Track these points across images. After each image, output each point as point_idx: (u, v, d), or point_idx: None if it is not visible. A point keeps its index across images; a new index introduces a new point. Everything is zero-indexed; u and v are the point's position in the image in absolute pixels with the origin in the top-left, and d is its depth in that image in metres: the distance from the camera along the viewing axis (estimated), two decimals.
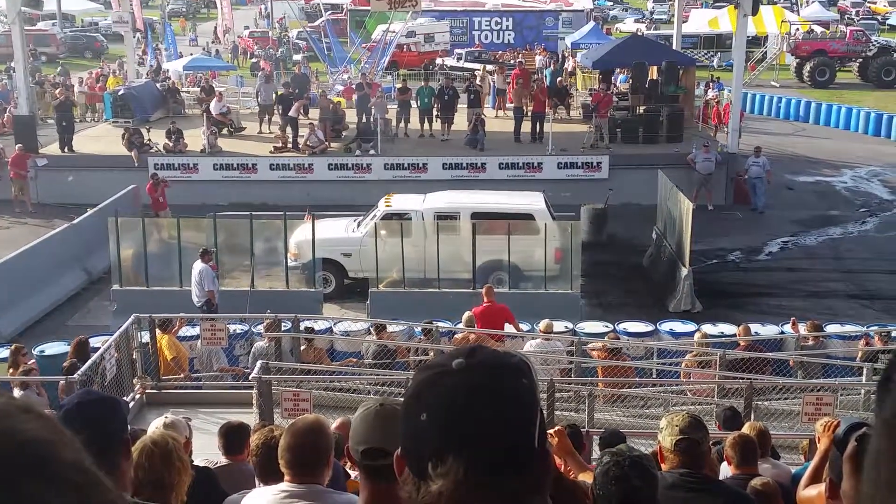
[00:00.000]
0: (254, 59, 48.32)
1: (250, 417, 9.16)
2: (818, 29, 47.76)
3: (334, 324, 15.54)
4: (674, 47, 33.20)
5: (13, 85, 30.55)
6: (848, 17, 60.18)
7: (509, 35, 52.13)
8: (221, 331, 12.80)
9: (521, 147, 26.99)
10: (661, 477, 3.88)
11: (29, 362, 12.17)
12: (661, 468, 4.27)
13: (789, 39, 45.52)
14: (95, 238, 18.93)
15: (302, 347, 13.16)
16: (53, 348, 14.06)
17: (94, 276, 19.73)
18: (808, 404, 9.81)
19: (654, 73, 29.20)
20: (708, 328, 15.10)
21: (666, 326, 15.74)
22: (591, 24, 48.16)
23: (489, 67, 36.94)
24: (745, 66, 31.19)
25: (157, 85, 32.98)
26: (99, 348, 11.56)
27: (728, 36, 41.29)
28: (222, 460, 6.38)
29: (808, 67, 44.71)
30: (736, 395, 10.80)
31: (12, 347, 12.38)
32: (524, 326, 14.83)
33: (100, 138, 28.30)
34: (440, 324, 14.12)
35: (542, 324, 13.79)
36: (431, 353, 12.98)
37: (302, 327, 13.56)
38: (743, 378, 11.11)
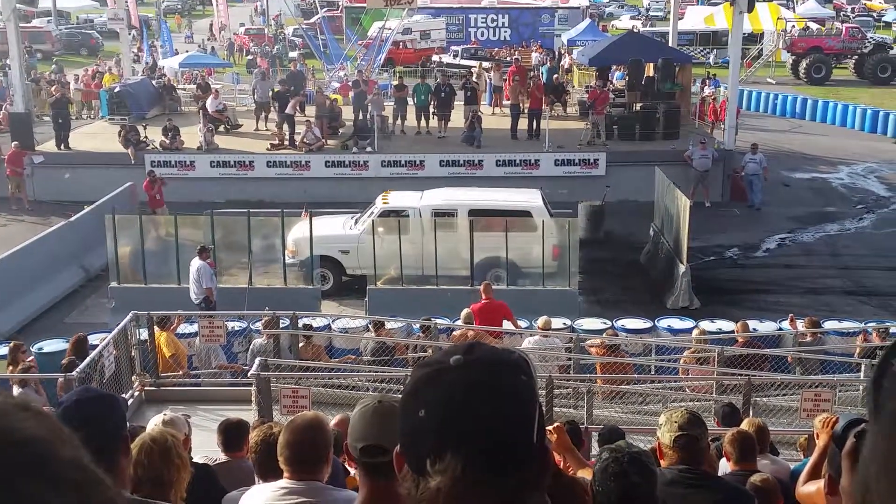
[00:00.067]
0: (250, 57, 48.26)
1: (249, 414, 9.16)
2: (814, 26, 47.79)
3: (332, 321, 15.54)
4: (670, 44, 33.19)
5: (9, 82, 30.47)
6: (843, 14, 60.22)
7: (505, 32, 52.12)
8: (220, 328, 12.82)
9: (517, 144, 26.99)
10: (660, 473, 3.89)
11: (28, 360, 12.14)
12: (660, 464, 4.27)
13: (785, 36, 45.55)
14: (93, 235, 18.91)
15: (300, 344, 13.16)
16: (52, 346, 14.05)
17: (92, 274, 19.70)
18: (807, 400, 9.83)
19: (650, 69, 29.21)
20: (706, 325, 15.10)
21: (664, 323, 15.74)
22: (588, 20, 48.14)
23: (485, 64, 36.93)
24: (741, 62, 31.22)
25: (153, 82, 32.94)
26: (97, 346, 11.55)
27: (724, 33, 41.30)
28: (221, 457, 6.39)
29: (804, 64, 44.76)
30: (734, 392, 10.82)
31: (11, 345, 12.35)
32: (522, 323, 14.84)
33: (96, 135, 28.26)
34: (438, 321, 14.11)
35: (541, 321, 13.80)
36: (430, 350, 12.99)
37: (300, 324, 13.56)
38: (741, 374, 11.13)
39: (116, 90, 30.40)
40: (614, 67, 32.73)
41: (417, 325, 14.22)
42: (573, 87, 34.93)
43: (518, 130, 27.50)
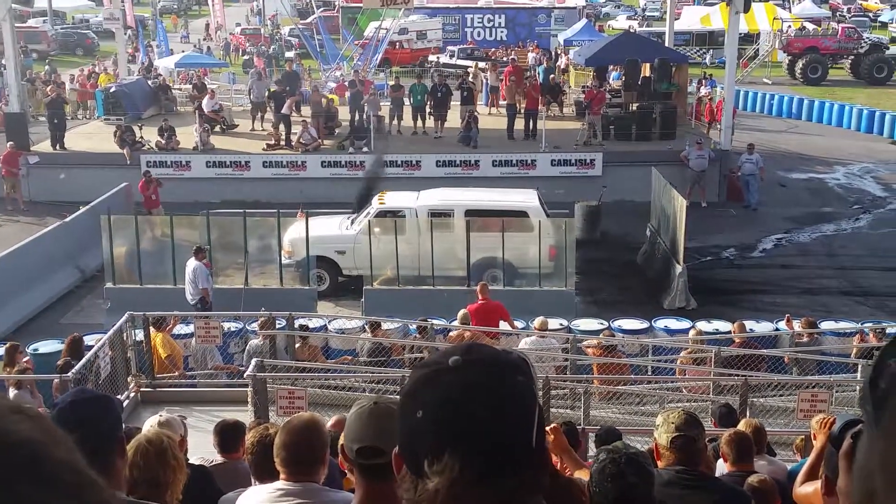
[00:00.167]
0: (246, 57, 48.24)
1: (245, 415, 9.15)
2: (810, 26, 47.84)
3: (329, 321, 15.52)
4: (666, 44, 33.25)
5: (4, 82, 30.46)
6: (840, 15, 60.34)
7: (502, 32, 52.13)
8: (216, 329, 12.79)
9: (514, 144, 27.00)
10: (658, 474, 3.88)
11: (23, 360, 12.11)
12: (658, 465, 4.27)
13: (781, 36, 45.59)
14: (88, 236, 18.87)
15: (297, 345, 13.14)
16: (47, 346, 14.01)
17: (88, 274, 19.67)
18: (804, 401, 9.83)
19: (646, 70, 29.24)
20: (702, 325, 15.11)
21: (661, 323, 15.74)
22: (584, 21, 48.24)
23: (482, 65, 36.93)
24: (737, 63, 31.25)
25: (149, 82, 32.91)
26: (93, 347, 11.53)
27: (720, 33, 41.32)
28: (218, 458, 6.37)
29: (800, 64, 44.80)
30: (731, 392, 10.82)
31: (7, 346, 12.31)
32: (519, 324, 14.83)
33: (91, 136, 28.22)
34: (435, 321, 14.10)
35: (537, 321, 13.79)
36: (426, 351, 12.99)
37: (297, 325, 13.54)
38: (738, 375, 11.12)
39: (112, 90, 30.37)
40: (611, 67, 32.76)
41: (414, 326, 14.20)
42: (569, 87, 34.94)
43: (514, 131, 27.50)
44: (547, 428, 4.42)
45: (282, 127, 26.93)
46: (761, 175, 25.44)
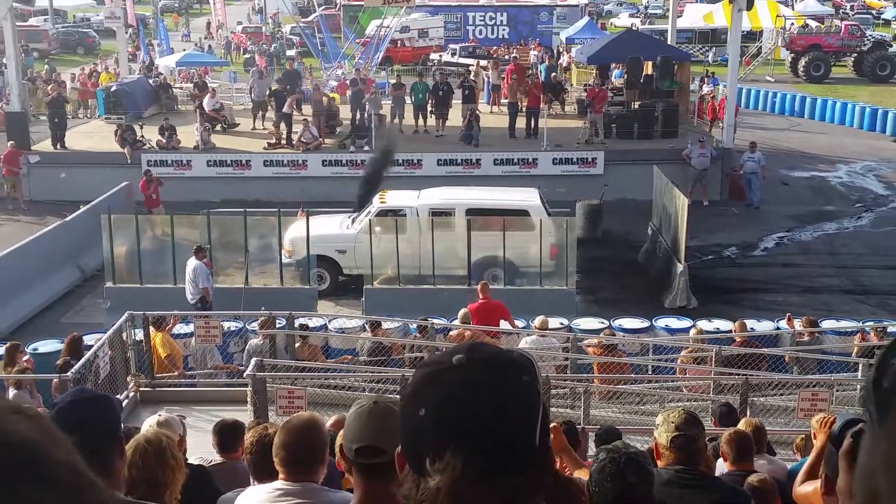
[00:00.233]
0: (247, 55, 48.25)
1: (245, 415, 9.15)
2: (813, 24, 47.83)
3: (329, 321, 15.52)
4: (668, 42, 33.25)
5: (5, 81, 30.46)
6: (843, 12, 60.31)
7: (504, 30, 52.13)
8: (216, 328, 12.80)
9: (515, 143, 27.00)
10: (657, 473, 3.88)
11: (23, 359, 12.11)
12: (657, 465, 4.26)
13: (784, 34, 45.57)
14: (88, 235, 18.88)
15: (296, 345, 13.14)
16: (47, 346, 14.02)
17: (88, 274, 19.69)
18: (804, 400, 9.83)
19: (648, 68, 29.22)
20: (703, 324, 15.10)
21: (661, 322, 15.74)
22: (586, 19, 48.22)
23: (483, 63, 36.93)
24: (739, 60, 31.23)
25: (150, 81, 32.93)
26: (92, 346, 11.53)
27: (723, 31, 41.34)
28: (217, 458, 6.37)
29: (803, 62, 44.77)
30: (731, 391, 10.82)
31: (8, 345, 12.31)
32: (519, 323, 14.83)
33: (92, 135, 28.22)
34: (435, 320, 14.10)
35: (538, 320, 13.79)
36: (426, 351, 12.99)
37: (297, 324, 13.54)
38: (738, 374, 11.12)
39: (113, 89, 30.38)
40: (613, 66, 32.74)
41: (414, 325, 14.20)
42: (571, 85, 34.94)
43: (516, 129, 27.50)
44: None
45: (283, 126, 26.94)
46: (763, 173, 25.44)
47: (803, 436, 8.19)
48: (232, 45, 52.73)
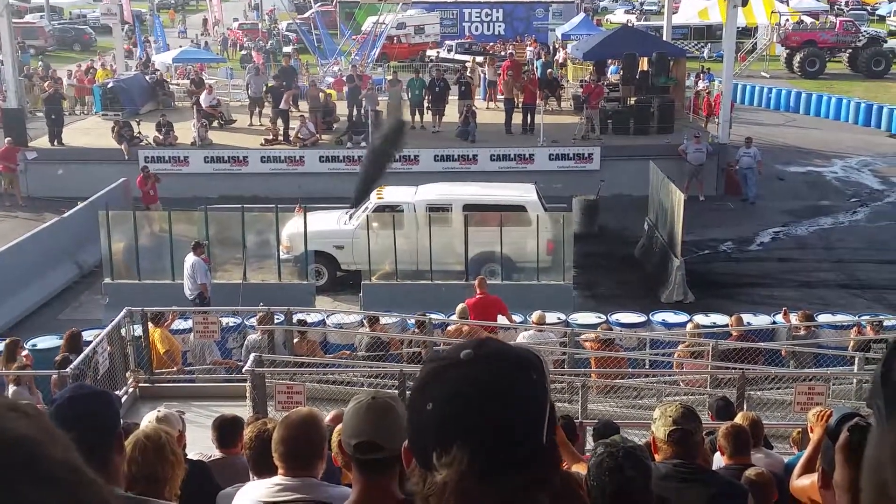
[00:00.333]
0: (243, 52, 48.14)
1: (244, 410, 9.16)
2: (808, 19, 47.81)
3: (327, 316, 15.52)
4: (664, 38, 33.21)
5: (1, 78, 30.40)
6: (838, 8, 60.26)
7: (499, 26, 52.05)
8: (214, 324, 12.79)
9: (512, 139, 26.99)
10: (655, 467, 3.89)
11: (22, 354, 12.09)
12: (655, 459, 4.28)
13: (779, 30, 45.55)
14: (86, 231, 18.86)
15: (295, 340, 13.14)
16: (45, 342, 14.01)
17: (86, 270, 19.67)
18: (801, 394, 9.84)
19: (644, 64, 29.21)
20: (700, 319, 15.12)
21: (658, 317, 15.76)
22: (582, 15, 48.11)
23: (479, 59, 36.90)
24: (735, 56, 31.21)
25: (147, 77, 32.87)
26: (91, 342, 11.53)
27: (718, 27, 41.31)
28: (216, 454, 6.38)
29: (798, 58, 44.76)
30: (728, 385, 10.83)
31: (8, 341, 12.28)
32: (517, 318, 14.83)
33: (89, 131, 28.19)
34: (433, 316, 14.11)
35: (535, 315, 13.80)
36: (424, 346, 13.00)
37: (295, 320, 13.54)
38: (735, 368, 11.14)
39: (110, 86, 30.33)
40: (609, 62, 32.73)
41: (412, 321, 14.21)
42: (567, 81, 34.92)
43: (512, 125, 27.49)
44: None
45: (280, 122, 26.91)
46: (759, 168, 25.46)
47: (800, 429, 8.21)
48: (228, 41, 52.59)
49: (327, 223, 19.08)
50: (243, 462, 5.42)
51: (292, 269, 18.41)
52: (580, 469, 3.93)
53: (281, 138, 26.63)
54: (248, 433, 5.12)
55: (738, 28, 30.30)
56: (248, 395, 10.02)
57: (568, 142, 26.31)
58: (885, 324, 14.23)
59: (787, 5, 49.97)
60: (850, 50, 45.59)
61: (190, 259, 16.36)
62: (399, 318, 14.79)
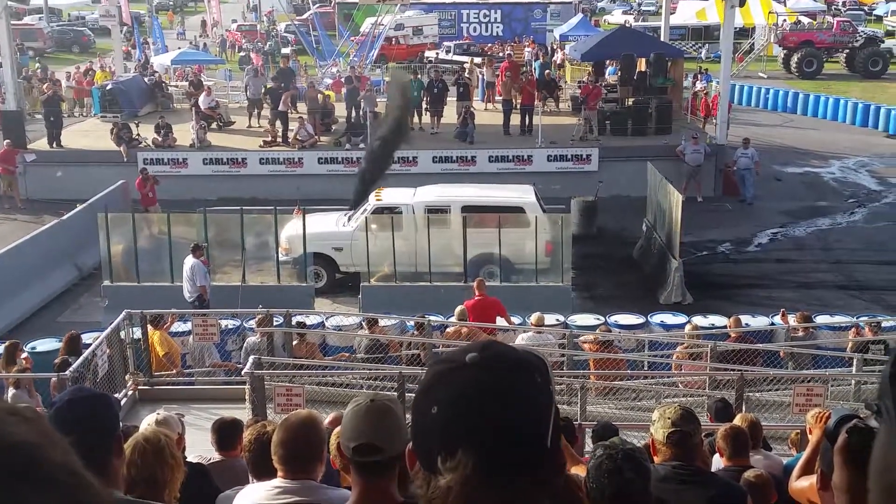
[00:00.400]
0: (242, 53, 48.13)
1: (243, 413, 9.17)
2: (805, 20, 47.84)
3: (326, 318, 15.52)
4: (662, 39, 33.22)
5: (0, 80, 30.38)
6: (835, 8, 60.29)
7: (498, 27, 52.08)
8: (213, 326, 12.79)
9: (510, 140, 27.00)
10: (654, 469, 3.90)
11: (21, 357, 12.09)
12: (654, 461, 4.28)
13: (777, 30, 45.59)
14: (85, 234, 18.86)
15: (294, 342, 13.14)
16: (45, 345, 14.00)
17: (85, 272, 19.65)
18: (799, 395, 9.85)
19: (642, 64, 29.22)
20: (699, 320, 15.12)
21: (657, 318, 15.76)
22: (580, 16, 48.11)
23: (477, 60, 36.91)
24: (732, 57, 31.24)
25: (145, 79, 32.86)
26: (90, 345, 11.52)
27: (716, 27, 41.36)
28: (215, 456, 6.38)
29: (795, 58, 44.80)
30: (727, 387, 10.83)
31: (7, 344, 12.28)
32: (516, 319, 14.83)
33: (88, 133, 28.18)
34: (432, 318, 14.10)
35: (534, 317, 13.79)
36: (423, 348, 13.00)
37: (294, 322, 13.54)
38: (734, 370, 11.14)
39: (108, 87, 30.32)
40: (607, 62, 32.74)
41: (411, 323, 14.21)
42: (565, 82, 34.93)
43: (510, 126, 27.49)
44: None
45: (278, 123, 26.91)
46: (756, 169, 25.47)
47: (798, 430, 8.22)
48: (227, 43, 52.58)
49: (326, 225, 19.08)
50: (242, 465, 5.42)
51: (291, 271, 18.41)
52: (579, 471, 3.93)
53: (280, 140, 26.63)
54: (247, 436, 5.12)
55: (735, 28, 30.31)
56: (247, 397, 10.02)
57: (566, 143, 26.33)
58: (883, 325, 14.23)
59: (785, 6, 50.02)
60: (848, 50, 45.63)
61: (189, 261, 16.36)
62: (398, 319, 14.79)
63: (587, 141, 26.50)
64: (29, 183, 25.15)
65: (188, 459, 5.34)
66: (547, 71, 32.45)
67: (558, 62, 38.09)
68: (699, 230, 22.03)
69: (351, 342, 14.32)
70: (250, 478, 4.72)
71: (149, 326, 12.45)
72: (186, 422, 6.80)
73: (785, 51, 45.59)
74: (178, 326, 13.95)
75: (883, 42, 48.35)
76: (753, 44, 45.92)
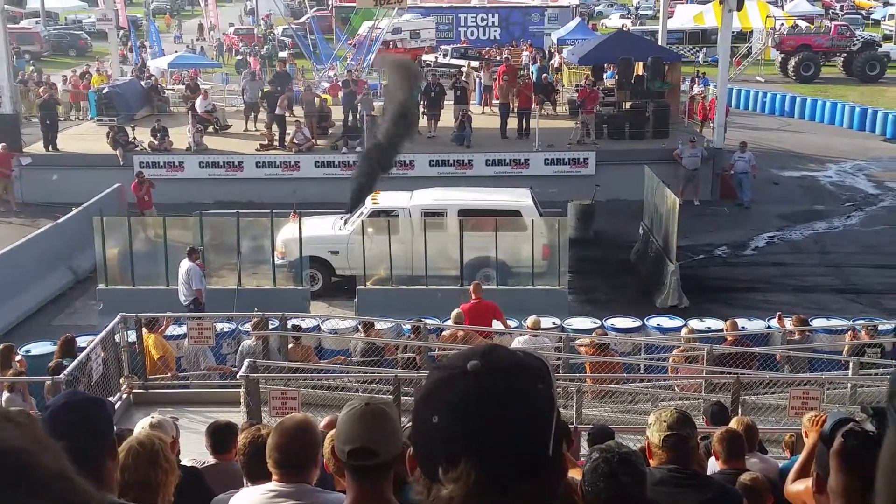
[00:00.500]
0: (239, 57, 48.15)
1: (238, 416, 9.15)
2: (803, 24, 47.94)
3: (322, 322, 15.52)
4: (659, 43, 33.28)
5: None
6: (832, 12, 60.47)
7: (495, 31, 52.13)
8: (208, 329, 12.77)
9: (507, 143, 27.01)
10: (650, 473, 3.89)
11: (16, 360, 12.06)
12: (650, 464, 4.27)
13: (774, 34, 45.67)
14: (81, 237, 18.84)
15: (289, 346, 13.12)
16: (39, 348, 13.98)
17: (80, 276, 19.62)
18: (795, 398, 9.84)
19: (639, 68, 29.25)
20: (695, 323, 15.13)
21: (653, 322, 15.77)
22: (577, 19, 48.21)
23: (475, 64, 36.93)
24: (730, 61, 31.28)
25: (142, 83, 32.84)
26: (85, 348, 11.50)
27: (713, 31, 41.42)
28: (210, 460, 6.36)
29: (792, 62, 44.89)
30: (723, 390, 10.84)
31: (2, 347, 12.24)
32: (512, 323, 14.84)
33: (84, 137, 28.18)
34: (428, 321, 14.09)
35: (530, 320, 13.79)
36: (419, 351, 12.99)
37: (289, 325, 13.53)
38: (730, 373, 11.14)
39: (105, 91, 30.29)
40: (606, 66, 32.76)
41: (407, 326, 14.20)
42: (563, 86, 34.96)
43: (507, 130, 27.51)
44: None
45: (275, 127, 26.91)
46: (754, 173, 25.51)
47: (791, 433, 8.23)
48: (224, 46, 52.61)
49: (322, 228, 19.07)
50: (237, 468, 5.40)
51: (287, 275, 18.40)
52: (575, 475, 3.92)
53: (276, 143, 26.62)
54: (242, 439, 5.11)
55: (733, 32, 30.34)
56: (242, 400, 10.00)
57: (563, 146, 26.34)
58: (879, 328, 14.24)
59: (782, 9, 50.13)
60: (845, 54, 45.73)
61: (185, 265, 16.34)
62: (394, 323, 14.78)
63: (584, 144, 26.52)
64: (24, 186, 25.13)
65: (182, 463, 5.32)
66: (544, 74, 32.46)
67: (556, 66, 38.12)
68: (696, 234, 22.05)
69: (347, 345, 14.32)
70: (245, 481, 4.71)
71: (144, 330, 12.43)
72: (181, 425, 6.79)
73: (782, 55, 45.67)
74: (173, 330, 13.94)
75: (880, 46, 48.49)
76: (751, 48, 45.99)
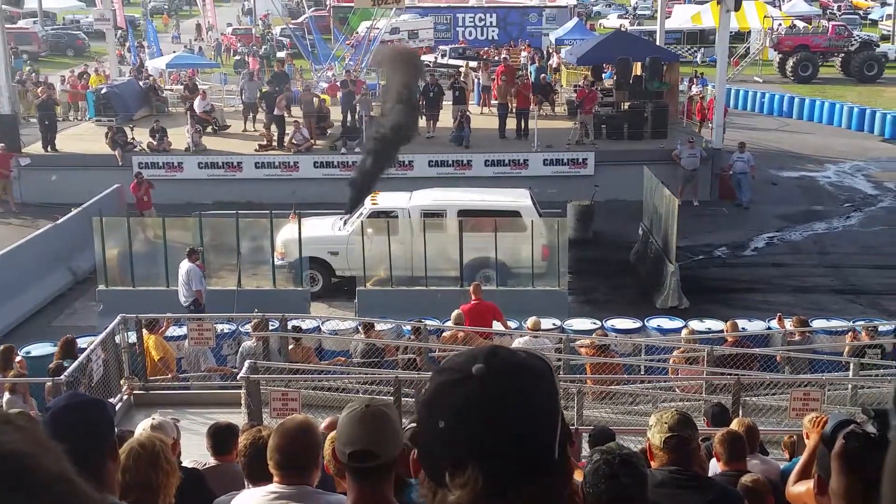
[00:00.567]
0: (237, 57, 48.15)
1: (239, 418, 9.14)
2: (801, 24, 47.94)
3: (322, 323, 15.51)
4: (657, 43, 33.29)
5: None
6: (830, 13, 60.47)
7: (493, 31, 52.15)
8: (209, 330, 12.76)
9: (506, 144, 27.01)
10: (651, 474, 3.89)
11: (16, 361, 12.04)
12: (651, 465, 4.27)
13: (772, 35, 45.69)
14: (80, 238, 18.83)
15: (290, 347, 13.12)
16: (39, 349, 13.97)
17: (80, 277, 19.61)
18: (796, 400, 9.84)
19: (637, 68, 29.26)
20: (695, 324, 15.13)
21: (653, 323, 15.76)
22: (575, 20, 48.26)
23: (473, 64, 36.93)
24: (728, 61, 31.29)
25: (140, 83, 32.83)
26: (85, 349, 11.49)
27: (711, 31, 41.43)
28: (211, 461, 6.36)
29: (790, 62, 44.90)
30: (724, 391, 10.84)
31: (2, 348, 12.23)
32: (512, 324, 14.83)
33: (83, 137, 28.16)
34: (428, 322, 14.09)
35: (530, 321, 13.80)
36: (419, 352, 12.99)
37: (290, 326, 13.52)
38: (731, 374, 11.14)
39: (103, 91, 30.29)
40: (604, 66, 32.79)
41: (407, 327, 14.19)
42: (561, 86, 34.96)
43: (506, 130, 27.51)
44: None
45: (274, 127, 26.90)
46: (752, 173, 25.51)
47: (791, 434, 8.23)
48: (222, 46, 52.61)
49: (322, 229, 19.06)
50: (238, 470, 5.40)
51: (287, 276, 18.39)
52: (576, 476, 3.92)
53: (275, 144, 26.62)
54: (242, 441, 5.10)
55: (731, 33, 30.39)
56: (243, 402, 9.99)
57: (562, 147, 26.35)
58: (879, 329, 14.24)
59: (780, 10, 50.15)
60: (843, 54, 45.75)
61: (185, 265, 16.33)
62: (394, 324, 14.78)
63: (583, 145, 26.53)
64: (23, 187, 25.12)
65: (183, 464, 5.32)
66: (543, 75, 32.48)
67: (554, 66, 38.12)
68: (695, 234, 22.05)
69: (347, 346, 14.31)
70: (246, 483, 4.71)
71: (144, 331, 12.43)
72: (182, 427, 6.78)
73: (780, 55, 45.68)
74: (174, 331, 13.93)
75: (878, 46, 48.49)
76: (749, 48, 45.99)
